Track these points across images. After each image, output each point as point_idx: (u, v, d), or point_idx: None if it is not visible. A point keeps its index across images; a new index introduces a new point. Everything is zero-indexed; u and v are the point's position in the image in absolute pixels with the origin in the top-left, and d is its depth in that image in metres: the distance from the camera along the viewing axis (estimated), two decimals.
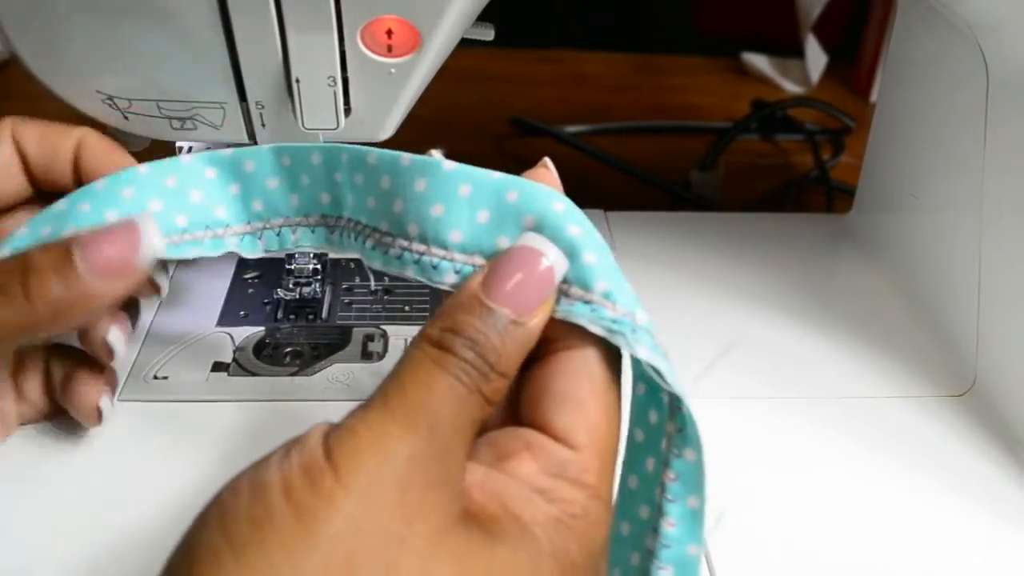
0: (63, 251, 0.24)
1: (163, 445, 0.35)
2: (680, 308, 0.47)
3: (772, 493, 0.35)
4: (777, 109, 0.75)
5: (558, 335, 0.24)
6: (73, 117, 0.34)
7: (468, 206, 0.25)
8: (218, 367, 0.40)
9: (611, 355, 0.24)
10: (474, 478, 0.22)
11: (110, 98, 0.33)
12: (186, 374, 0.39)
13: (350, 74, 0.33)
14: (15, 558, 0.30)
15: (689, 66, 0.95)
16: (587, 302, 0.23)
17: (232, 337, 0.41)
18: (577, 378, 0.23)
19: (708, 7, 1.04)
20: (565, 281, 0.24)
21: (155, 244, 0.25)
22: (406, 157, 0.26)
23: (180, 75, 0.33)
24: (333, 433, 0.20)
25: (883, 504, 0.35)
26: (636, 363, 0.25)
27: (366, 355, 0.41)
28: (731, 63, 0.94)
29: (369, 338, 0.42)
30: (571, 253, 0.24)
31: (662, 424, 0.24)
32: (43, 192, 0.33)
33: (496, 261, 0.24)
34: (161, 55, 0.32)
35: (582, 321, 0.23)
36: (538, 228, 0.24)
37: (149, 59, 0.32)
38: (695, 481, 0.24)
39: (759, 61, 0.92)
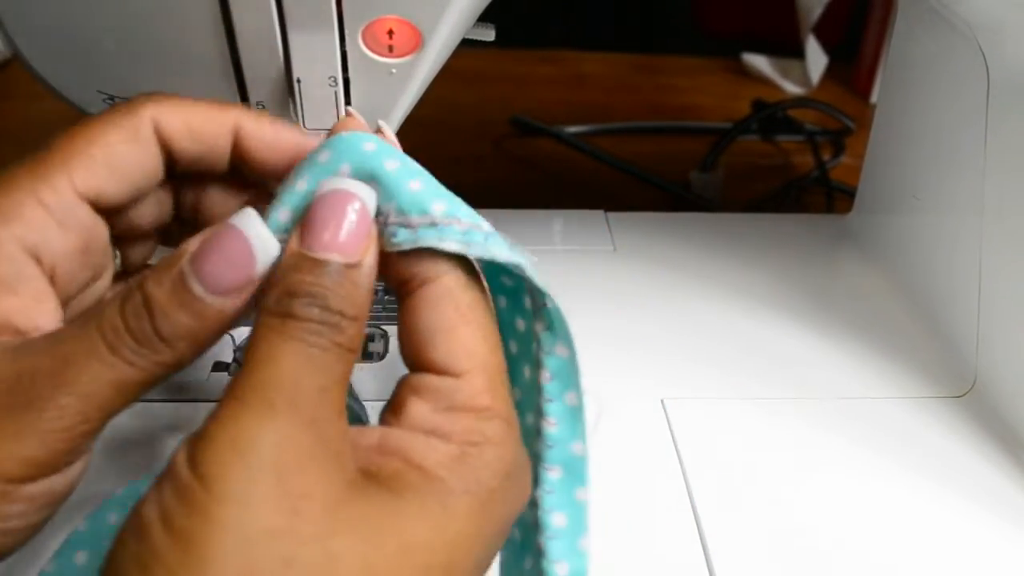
0: (178, 279, 0.22)
1: (163, 445, 0.35)
2: (680, 308, 0.47)
3: (772, 493, 0.35)
4: (777, 110, 0.75)
5: (411, 274, 0.23)
6: (73, 117, 0.34)
7: (292, 185, 0.24)
8: (218, 367, 0.40)
9: (470, 277, 0.24)
10: (371, 440, 0.21)
11: (111, 97, 0.33)
12: (186, 374, 0.39)
13: (351, 74, 0.33)
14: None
15: (689, 66, 0.95)
16: (432, 224, 0.23)
17: (233, 337, 0.41)
18: (440, 307, 0.23)
19: (708, 8, 1.04)
20: (402, 212, 0.23)
21: (269, 246, 0.22)
22: None
23: (181, 75, 0.33)
24: (195, 445, 0.19)
25: (883, 504, 0.35)
26: (491, 277, 0.25)
27: (366, 355, 0.41)
28: (731, 63, 0.95)
29: (369, 338, 0.42)
30: (395, 184, 0.23)
31: (530, 329, 0.24)
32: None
33: (307, 214, 0.22)
34: (162, 55, 0.32)
35: (431, 242, 0.23)
36: (355, 174, 0.24)
37: (150, 59, 0.32)
38: (570, 377, 0.24)
39: (759, 62, 0.92)
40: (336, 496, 0.19)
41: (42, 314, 0.23)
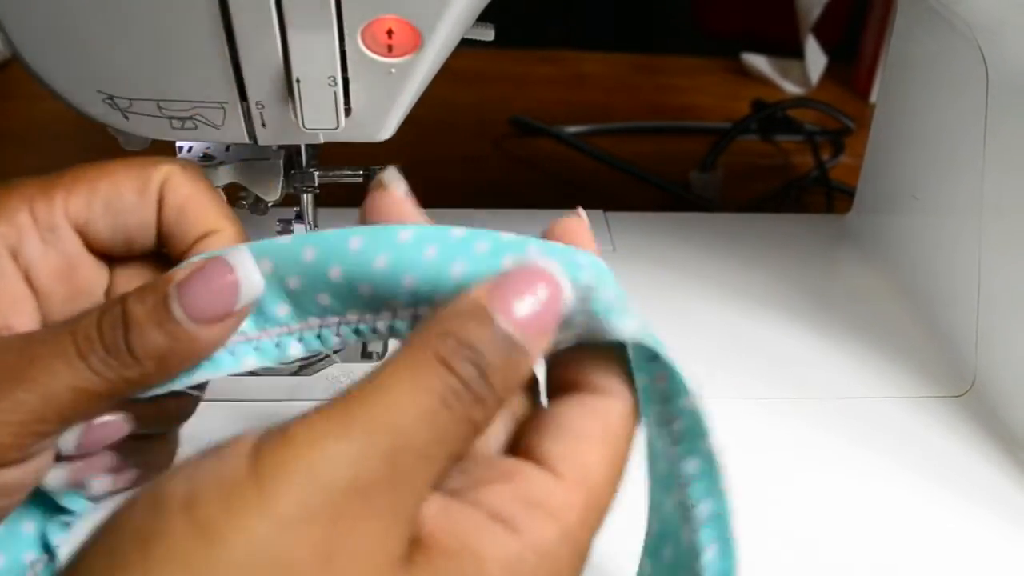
0: (160, 300, 0.22)
1: None
2: (680, 308, 0.47)
3: (772, 493, 0.35)
4: (777, 110, 0.75)
5: (584, 377, 0.22)
6: (73, 117, 0.34)
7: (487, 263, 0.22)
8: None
9: (635, 411, 0.22)
10: (430, 508, 0.19)
11: (110, 98, 0.33)
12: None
13: (350, 74, 0.33)
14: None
15: (689, 66, 0.95)
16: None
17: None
18: (589, 417, 0.21)
19: (708, 8, 1.04)
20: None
21: (255, 281, 0.22)
22: (389, 235, 0.23)
23: (180, 75, 0.33)
24: (268, 438, 0.17)
25: (883, 504, 0.35)
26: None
27: (366, 355, 0.41)
28: (731, 63, 0.95)
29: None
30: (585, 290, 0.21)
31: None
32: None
33: (506, 275, 0.20)
34: (162, 54, 0.32)
35: (610, 327, 0.21)
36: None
37: (150, 58, 0.32)
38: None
39: (759, 62, 0.92)
40: (377, 567, 0.17)
41: (16, 314, 0.24)
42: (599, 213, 0.55)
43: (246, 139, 0.35)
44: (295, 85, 0.33)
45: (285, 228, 0.45)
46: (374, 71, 0.33)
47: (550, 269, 0.21)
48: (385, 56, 0.33)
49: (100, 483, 0.24)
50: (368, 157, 0.44)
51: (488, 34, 0.38)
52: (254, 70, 0.33)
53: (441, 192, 0.68)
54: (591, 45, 0.98)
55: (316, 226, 0.45)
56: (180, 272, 0.22)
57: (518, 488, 0.19)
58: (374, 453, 0.17)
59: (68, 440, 0.23)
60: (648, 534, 0.24)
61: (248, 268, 0.22)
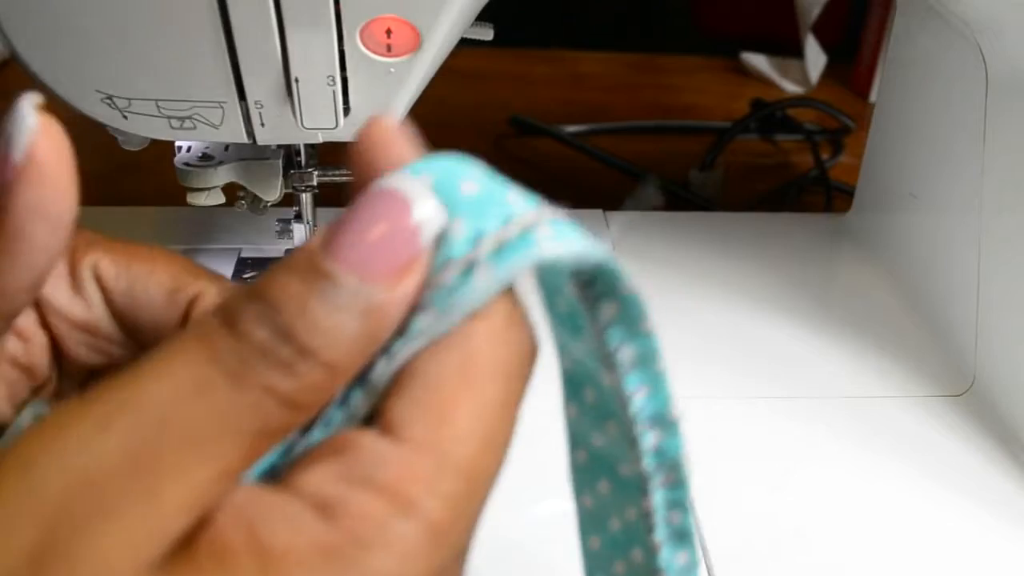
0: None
1: None
2: (680, 307, 0.47)
3: (771, 492, 0.35)
4: (776, 109, 0.75)
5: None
6: (73, 117, 0.34)
7: None
8: None
9: (512, 326, 0.16)
10: (234, 498, 0.14)
11: (109, 97, 0.33)
12: None
13: (349, 73, 0.33)
14: None
15: (688, 66, 0.95)
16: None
17: None
18: (443, 353, 0.15)
19: (708, 7, 1.04)
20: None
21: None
22: None
23: (179, 74, 0.33)
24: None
25: (882, 503, 0.35)
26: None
27: None
28: (731, 63, 0.94)
29: None
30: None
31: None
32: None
33: (346, 213, 0.15)
34: (160, 54, 0.32)
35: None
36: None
37: (148, 58, 0.32)
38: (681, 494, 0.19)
39: (759, 61, 0.92)
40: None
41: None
42: (598, 212, 0.55)
43: (245, 139, 0.35)
44: (294, 85, 0.33)
45: (284, 228, 0.45)
46: (373, 70, 0.33)
47: (402, 189, 0.15)
48: (384, 55, 0.33)
49: None
50: None
51: (487, 33, 0.38)
52: (253, 70, 0.33)
53: None
54: (591, 44, 0.98)
55: (315, 226, 0.45)
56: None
57: (344, 464, 0.15)
58: (113, 437, 0.14)
59: None
60: (563, 374, 0.20)
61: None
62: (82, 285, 0.22)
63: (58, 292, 0.21)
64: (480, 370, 0.16)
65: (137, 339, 0.22)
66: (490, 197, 0.16)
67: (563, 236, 0.16)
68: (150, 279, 0.22)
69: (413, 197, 0.15)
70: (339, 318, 0.14)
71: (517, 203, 0.16)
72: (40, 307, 0.22)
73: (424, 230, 0.15)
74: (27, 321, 0.22)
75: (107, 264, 0.22)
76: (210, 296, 0.21)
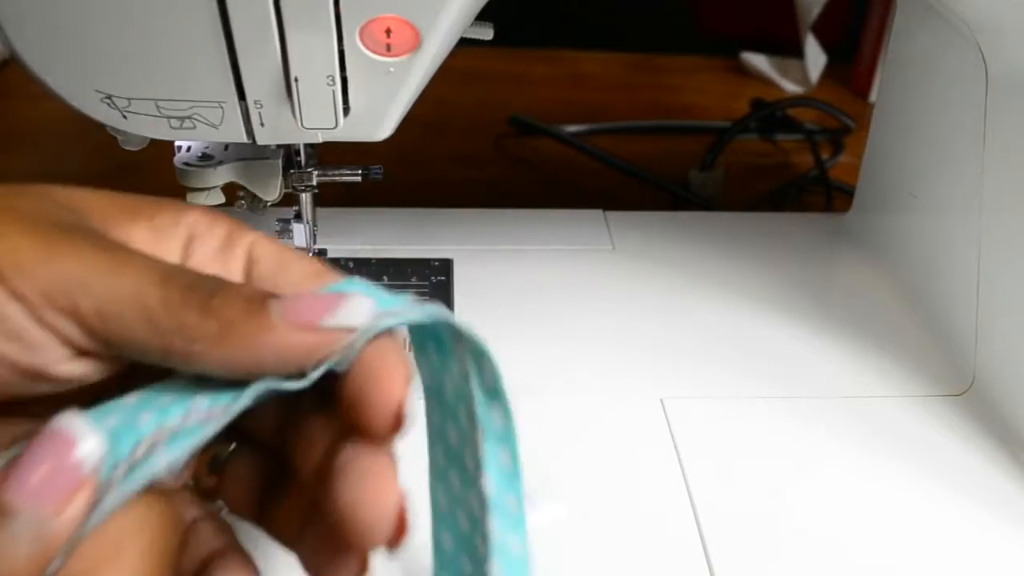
0: (261, 297, 0.21)
1: None
2: (679, 307, 0.47)
3: (771, 492, 0.35)
4: (776, 109, 0.75)
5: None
6: (73, 117, 0.34)
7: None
8: None
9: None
10: None
11: (109, 97, 0.33)
12: None
13: (349, 73, 0.33)
14: None
15: (688, 66, 0.95)
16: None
17: None
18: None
19: (708, 7, 1.04)
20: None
21: (358, 313, 0.21)
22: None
23: (179, 74, 0.33)
24: None
25: (882, 503, 0.35)
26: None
27: None
28: (731, 63, 0.94)
29: None
30: None
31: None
32: None
33: (24, 450, 0.19)
34: (160, 54, 0.32)
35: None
36: None
37: (148, 58, 0.32)
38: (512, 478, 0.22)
39: (759, 61, 0.92)
40: None
41: None
42: (598, 212, 0.55)
43: (245, 138, 0.35)
44: (293, 84, 0.33)
45: (284, 227, 0.45)
46: (373, 70, 0.33)
47: (68, 429, 0.19)
48: (384, 55, 0.33)
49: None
50: (367, 156, 0.44)
51: (487, 33, 0.38)
52: (252, 69, 0.33)
53: (440, 192, 0.68)
54: (590, 44, 0.98)
55: (315, 226, 0.45)
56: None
57: None
58: None
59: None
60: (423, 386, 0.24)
61: (359, 304, 0.21)
62: (232, 251, 0.24)
63: (203, 247, 0.24)
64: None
65: None
66: (122, 429, 0.20)
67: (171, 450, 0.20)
68: (297, 264, 0.25)
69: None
70: (15, 545, 0.18)
71: (146, 426, 0.20)
72: None
73: (87, 462, 0.19)
74: None
75: (264, 243, 0.25)
76: (262, 242, 0.25)
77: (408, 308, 0.22)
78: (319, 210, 0.45)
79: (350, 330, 0.21)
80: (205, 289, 0.20)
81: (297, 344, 0.20)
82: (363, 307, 0.21)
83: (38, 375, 0.21)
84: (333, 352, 0.21)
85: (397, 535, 0.21)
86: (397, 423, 0.21)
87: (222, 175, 0.40)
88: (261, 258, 0.24)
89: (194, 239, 0.24)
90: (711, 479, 0.36)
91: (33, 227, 0.21)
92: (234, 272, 0.24)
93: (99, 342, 0.21)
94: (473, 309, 0.46)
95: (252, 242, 0.24)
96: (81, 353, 0.21)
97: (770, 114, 0.75)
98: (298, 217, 0.44)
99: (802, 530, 0.34)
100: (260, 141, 0.35)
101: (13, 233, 0.20)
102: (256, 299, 0.20)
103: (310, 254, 0.43)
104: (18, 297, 0.20)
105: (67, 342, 0.21)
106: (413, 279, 0.48)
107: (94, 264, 0.20)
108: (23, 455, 0.19)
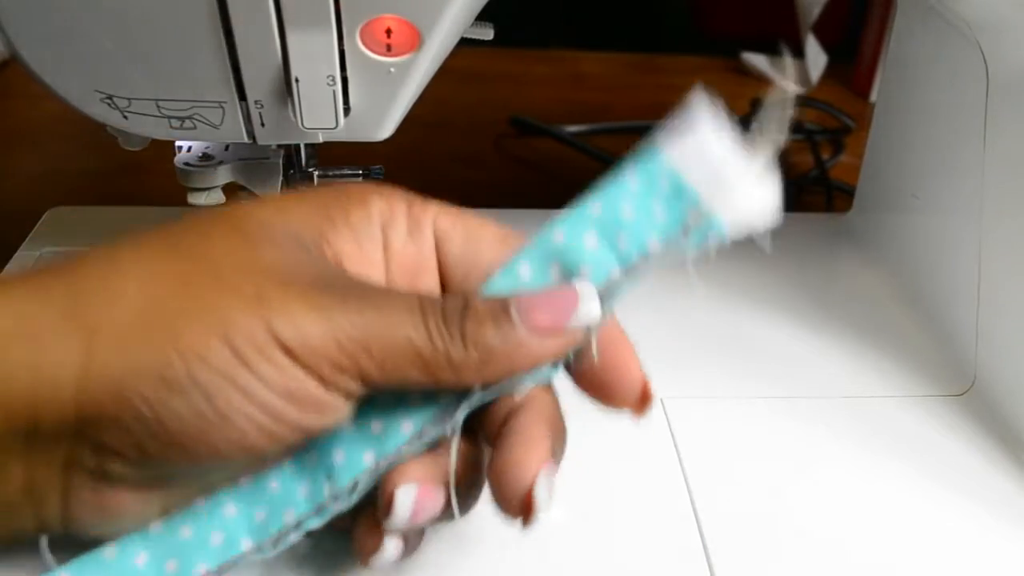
0: (502, 304, 0.24)
1: None
2: (680, 307, 0.47)
3: (772, 492, 0.35)
4: None
5: None
6: (73, 117, 0.34)
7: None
8: None
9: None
10: None
11: (109, 97, 0.33)
12: None
13: (349, 73, 0.33)
14: None
15: (689, 66, 0.95)
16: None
17: None
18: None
19: (708, 7, 1.04)
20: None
21: (592, 310, 0.24)
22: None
23: (179, 74, 0.33)
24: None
25: (882, 504, 0.35)
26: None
27: None
28: (731, 63, 0.94)
29: None
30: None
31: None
32: None
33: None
34: (160, 54, 0.32)
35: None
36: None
37: (148, 58, 0.32)
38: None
39: (759, 61, 0.92)
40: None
41: (366, 276, 0.26)
42: None
43: (245, 139, 0.35)
44: (294, 84, 0.33)
45: None
46: (373, 70, 0.33)
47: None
48: (384, 55, 0.33)
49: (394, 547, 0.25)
50: (367, 156, 0.44)
51: (487, 33, 0.38)
52: (253, 69, 0.33)
53: (440, 192, 0.68)
54: (591, 44, 0.98)
55: None
56: (524, 292, 0.24)
57: None
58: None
59: (403, 502, 0.23)
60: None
61: (590, 298, 0.24)
62: (420, 231, 0.27)
63: (395, 235, 0.26)
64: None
65: (455, 288, 0.27)
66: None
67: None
68: (483, 229, 0.28)
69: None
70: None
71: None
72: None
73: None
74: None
75: (445, 216, 0.27)
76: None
77: (626, 273, 0.25)
78: None
79: (589, 325, 0.24)
80: (456, 315, 0.23)
81: (548, 350, 0.24)
82: (594, 301, 0.24)
83: (315, 430, 0.23)
84: (577, 345, 0.24)
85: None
86: (644, 400, 0.26)
87: (223, 175, 0.40)
88: (448, 234, 0.27)
89: (385, 229, 0.26)
90: (711, 479, 0.36)
91: (298, 290, 0.22)
92: (428, 256, 0.27)
93: (373, 387, 0.23)
94: None
95: (434, 218, 0.27)
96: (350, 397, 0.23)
97: None
98: None
99: (802, 530, 0.34)
100: (261, 141, 0.35)
101: (283, 300, 0.22)
102: (503, 316, 0.23)
103: None
104: (310, 370, 0.22)
105: (350, 396, 0.23)
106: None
107: (366, 321, 0.22)
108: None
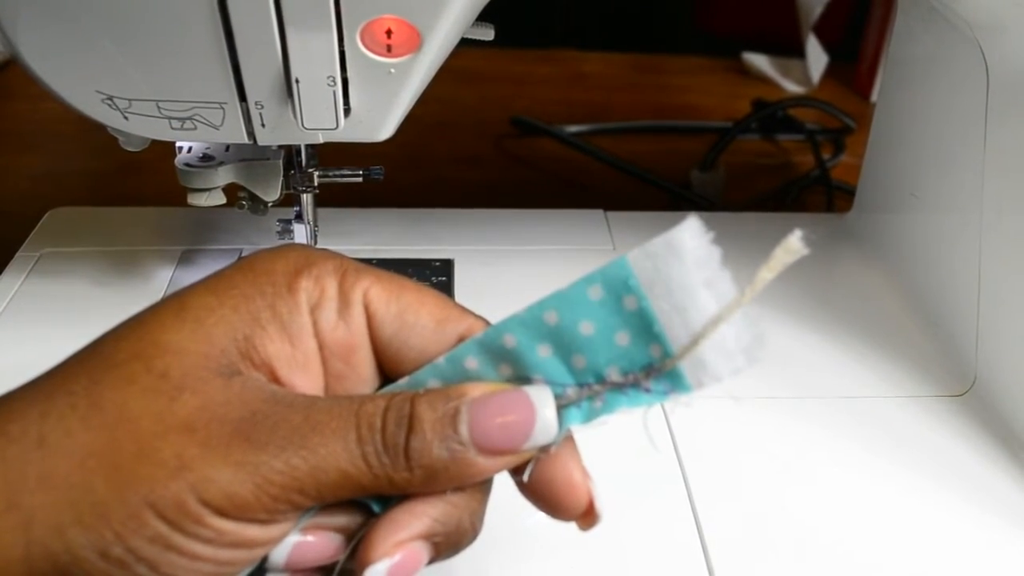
0: (450, 413, 0.22)
1: None
2: None
3: (771, 492, 0.35)
4: (777, 109, 0.75)
5: None
6: (73, 117, 0.34)
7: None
8: None
9: None
10: None
11: (110, 98, 0.33)
12: None
13: (349, 74, 0.33)
14: None
15: (690, 66, 0.95)
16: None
17: None
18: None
19: (709, 7, 1.04)
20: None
21: (549, 426, 0.22)
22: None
23: (180, 75, 0.33)
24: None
25: (882, 504, 0.35)
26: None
27: None
28: (732, 63, 0.94)
29: None
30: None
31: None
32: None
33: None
34: (161, 54, 0.32)
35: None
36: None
37: (148, 59, 0.32)
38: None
39: (760, 61, 0.92)
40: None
41: (302, 373, 0.23)
42: (599, 212, 0.55)
43: (245, 139, 0.35)
44: (294, 85, 0.33)
45: (285, 228, 0.45)
46: (373, 71, 0.33)
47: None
48: (384, 56, 0.33)
49: None
50: (368, 157, 0.44)
51: (488, 34, 0.38)
52: (253, 70, 0.33)
53: (441, 192, 0.68)
54: (591, 44, 0.98)
55: (316, 226, 0.45)
56: (476, 388, 0.22)
57: None
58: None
59: (278, 555, 0.23)
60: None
61: (547, 412, 0.22)
62: (350, 308, 0.24)
63: (325, 318, 0.24)
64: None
65: (389, 367, 0.25)
66: None
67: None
68: (421, 308, 0.24)
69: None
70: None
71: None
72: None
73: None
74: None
75: (379, 291, 0.24)
76: (478, 332, 0.24)
77: (581, 391, 0.23)
78: (320, 211, 0.45)
79: (544, 447, 0.22)
80: (399, 434, 0.22)
81: (497, 468, 0.22)
82: (552, 421, 0.22)
83: (271, 545, 0.22)
84: (526, 463, 0.22)
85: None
86: (588, 516, 0.24)
87: (223, 176, 0.40)
88: (380, 313, 0.24)
89: (315, 312, 0.24)
90: (711, 479, 0.36)
91: (221, 448, 0.21)
92: (359, 334, 0.24)
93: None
94: (474, 309, 0.46)
95: (365, 293, 0.24)
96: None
97: (771, 114, 0.75)
98: (299, 218, 0.44)
99: (802, 530, 0.34)
100: (261, 142, 0.35)
101: (205, 462, 0.21)
102: (451, 433, 0.22)
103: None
104: (246, 520, 0.21)
105: (285, 531, 0.22)
106: (414, 280, 0.48)
107: (296, 464, 0.21)
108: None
